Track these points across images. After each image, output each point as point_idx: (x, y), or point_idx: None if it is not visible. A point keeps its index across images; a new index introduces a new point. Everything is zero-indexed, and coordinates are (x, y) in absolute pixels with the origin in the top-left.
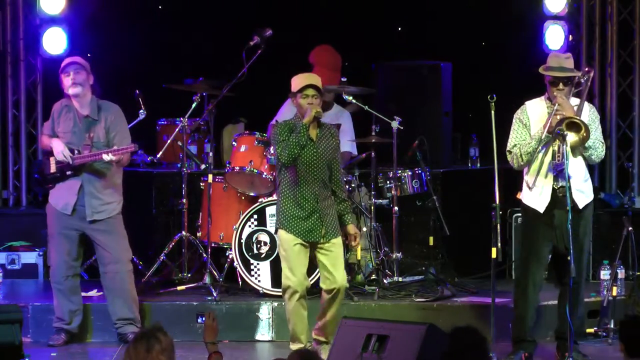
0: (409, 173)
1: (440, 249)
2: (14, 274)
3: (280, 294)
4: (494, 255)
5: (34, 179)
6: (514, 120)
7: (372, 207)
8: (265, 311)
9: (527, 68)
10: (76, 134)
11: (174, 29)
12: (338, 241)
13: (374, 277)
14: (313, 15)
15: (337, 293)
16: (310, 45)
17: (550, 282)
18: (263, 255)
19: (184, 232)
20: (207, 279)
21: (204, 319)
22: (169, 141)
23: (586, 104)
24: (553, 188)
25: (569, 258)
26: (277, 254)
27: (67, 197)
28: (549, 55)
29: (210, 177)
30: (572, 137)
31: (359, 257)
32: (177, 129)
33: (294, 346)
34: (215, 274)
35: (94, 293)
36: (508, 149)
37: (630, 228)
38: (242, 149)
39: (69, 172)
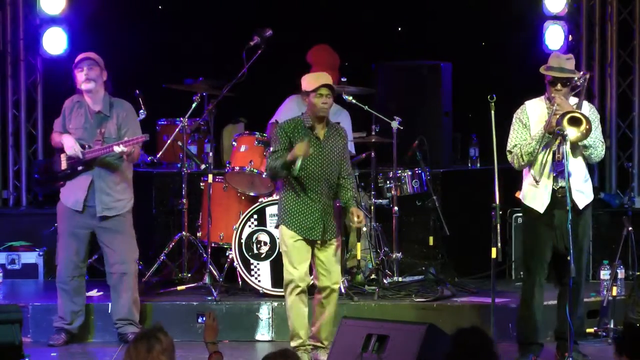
0: (409, 173)
1: (440, 249)
2: (14, 274)
3: (281, 293)
4: (494, 255)
5: (34, 179)
6: (513, 120)
7: (372, 207)
8: (265, 311)
9: (527, 68)
10: (87, 129)
11: (174, 29)
12: (338, 241)
13: (374, 277)
14: (313, 15)
15: (331, 293)
16: (311, 45)
17: (550, 282)
18: (263, 255)
19: (184, 232)
20: (207, 279)
21: (204, 318)
22: (169, 141)
23: (585, 103)
24: (553, 188)
25: (569, 258)
26: (277, 254)
27: (77, 193)
28: (550, 55)
29: (210, 177)
30: (573, 133)
31: (359, 257)
32: (177, 129)
33: (294, 342)
34: (215, 274)
35: (94, 293)
36: (508, 149)
37: (630, 228)
38: (242, 149)
39: (80, 168)
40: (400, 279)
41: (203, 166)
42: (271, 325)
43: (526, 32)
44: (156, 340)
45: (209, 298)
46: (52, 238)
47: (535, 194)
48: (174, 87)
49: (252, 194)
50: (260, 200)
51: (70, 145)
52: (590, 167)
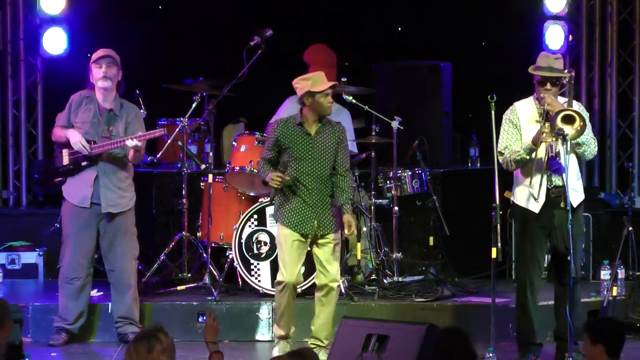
0: (409, 173)
1: (440, 249)
2: (14, 274)
3: None
4: (494, 255)
5: (34, 179)
6: (503, 121)
7: (372, 207)
8: (265, 311)
9: (527, 68)
10: (94, 125)
11: (174, 29)
12: (337, 237)
13: (374, 277)
14: (313, 15)
15: (329, 291)
16: (311, 44)
17: (550, 282)
18: (263, 255)
19: (184, 232)
20: (207, 279)
21: (204, 318)
22: (169, 141)
23: (575, 102)
24: (547, 188)
25: (568, 258)
26: (277, 254)
27: (84, 189)
28: (539, 55)
29: (210, 177)
30: (568, 131)
31: (359, 257)
32: (177, 129)
33: (278, 332)
34: (215, 274)
35: (94, 293)
36: (499, 150)
37: (630, 228)
38: (242, 149)
39: (84, 163)
40: (400, 279)
41: (203, 166)
42: (271, 325)
43: (526, 32)
44: (156, 340)
45: (209, 298)
46: (52, 238)
47: (529, 195)
48: (174, 87)
49: (252, 194)
50: (260, 200)
51: (77, 139)
52: (583, 165)
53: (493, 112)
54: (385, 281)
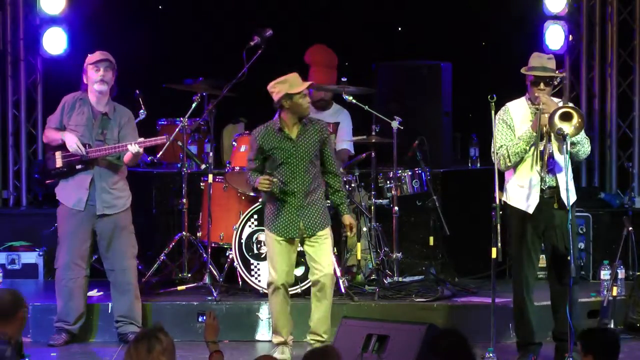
0: (409, 173)
1: (440, 249)
2: (14, 274)
3: None
4: (494, 255)
5: (34, 179)
6: (497, 122)
7: (372, 207)
8: (265, 311)
9: None
10: (89, 128)
11: (174, 29)
12: (325, 233)
13: (374, 277)
14: (313, 15)
15: (323, 286)
16: (311, 45)
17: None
18: (263, 255)
19: (184, 232)
20: (207, 279)
21: (205, 318)
22: (168, 142)
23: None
24: (541, 188)
25: (569, 258)
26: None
27: (79, 192)
28: (531, 56)
29: (210, 177)
30: (567, 129)
31: (359, 257)
32: (177, 129)
33: (276, 339)
34: (215, 274)
35: (94, 293)
36: (493, 150)
37: (630, 228)
38: (242, 149)
39: (78, 166)
40: (400, 279)
41: (203, 166)
42: (271, 325)
43: (526, 32)
44: (156, 340)
45: (209, 298)
46: (52, 238)
47: (522, 195)
48: (174, 87)
49: (252, 194)
50: (260, 200)
51: (73, 142)
52: (580, 165)
53: (493, 112)
54: (385, 281)
